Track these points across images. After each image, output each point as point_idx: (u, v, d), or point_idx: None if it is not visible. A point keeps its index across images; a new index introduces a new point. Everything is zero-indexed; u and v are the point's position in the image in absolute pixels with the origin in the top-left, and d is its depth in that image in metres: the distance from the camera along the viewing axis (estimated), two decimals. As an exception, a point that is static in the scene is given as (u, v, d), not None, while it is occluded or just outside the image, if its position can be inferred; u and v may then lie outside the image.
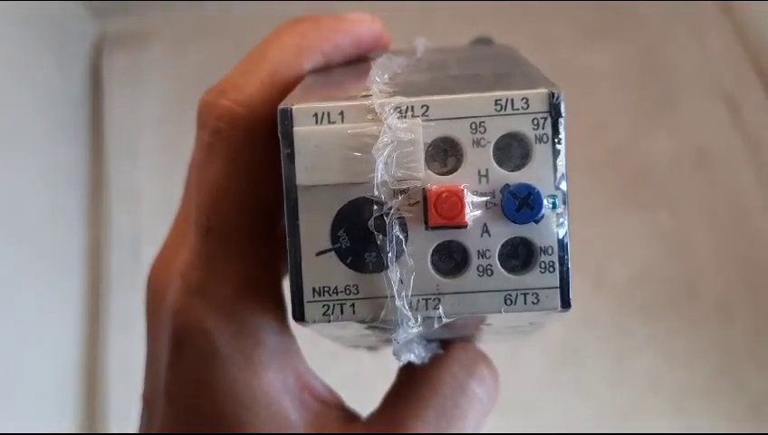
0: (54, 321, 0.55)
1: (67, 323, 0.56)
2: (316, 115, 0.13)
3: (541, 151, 0.13)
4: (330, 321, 0.13)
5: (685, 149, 0.59)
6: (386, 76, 0.15)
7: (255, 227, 0.17)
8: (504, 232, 0.13)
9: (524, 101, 0.13)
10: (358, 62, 0.18)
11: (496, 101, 0.13)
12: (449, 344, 0.18)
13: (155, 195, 0.61)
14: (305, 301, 0.13)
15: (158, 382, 0.17)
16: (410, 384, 0.17)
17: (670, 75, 0.62)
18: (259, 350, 0.16)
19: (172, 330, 0.17)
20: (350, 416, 0.18)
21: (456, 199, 0.13)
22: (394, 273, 0.13)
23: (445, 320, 0.13)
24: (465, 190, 0.13)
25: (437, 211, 0.13)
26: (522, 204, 0.13)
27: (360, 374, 0.39)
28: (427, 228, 0.13)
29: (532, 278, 0.13)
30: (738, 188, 0.58)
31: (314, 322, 0.13)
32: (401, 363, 0.15)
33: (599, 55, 0.63)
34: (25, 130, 0.55)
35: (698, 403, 0.51)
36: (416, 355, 0.15)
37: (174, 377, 0.17)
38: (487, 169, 0.13)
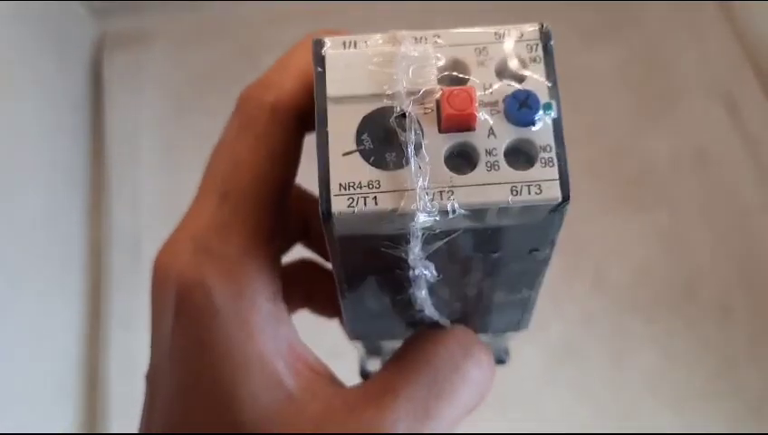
0: (55, 321, 0.55)
1: (68, 323, 0.56)
2: (344, 43, 0.16)
3: (535, 69, 0.15)
4: (354, 211, 0.15)
5: (684, 149, 0.59)
6: None
7: (268, 200, 0.18)
8: (507, 133, 0.15)
9: (519, 32, 0.16)
10: None
11: (495, 32, 0.16)
12: (453, 325, 0.19)
13: (155, 195, 0.61)
14: (332, 195, 0.15)
15: (162, 353, 0.18)
16: (409, 355, 0.18)
17: (670, 75, 0.63)
18: (255, 313, 0.17)
19: (176, 288, 0.17)
20: (341, 384, 0.19)
21: (467, 95, 0.15)
22: (413, 163, 0.15)
23: (458, 211, 0.15)
24: (474, 89, 0.15)
25: (450, 104, 0.14)
26: (522, 105, 0.15)
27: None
28: (440, 131, 0.15)
29: (534, 172, 0.15)
30: (737, 188, 0.58)
31: (340, 213, 0.15)
32: (414, 275, 0.16)
33: (599, 55, 0.63)
34: (25, 130, 0.55)
35: (698, 403, 0.51)
36: (430, 272, 0.16)
37: (177, 338, 0.17)
38: (491, 83, 0.15)
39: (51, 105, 0.60)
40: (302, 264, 0.24)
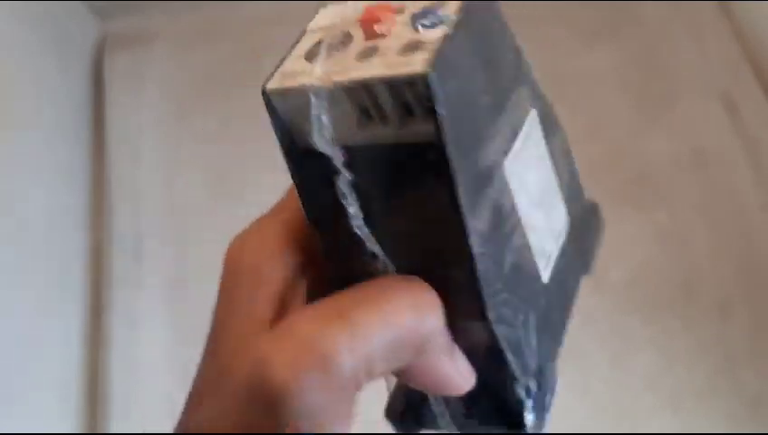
0: (56, 320, 0.55)
1: (68, 322, 0.56)
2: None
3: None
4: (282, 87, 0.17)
5: (683, 149, 0.60)
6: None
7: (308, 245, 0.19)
8: (407, 35, 0.16)
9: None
10: None
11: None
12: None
13: (156, 194, 0.61)
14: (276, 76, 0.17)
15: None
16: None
17: (669, 76, 0.63)
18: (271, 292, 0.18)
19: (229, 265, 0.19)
20: None
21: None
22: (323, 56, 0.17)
23: (338, 84, 0.16)
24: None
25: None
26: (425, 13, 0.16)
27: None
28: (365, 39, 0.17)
29: (416, 56, 0.16)
30: (736, 187, 0.58)
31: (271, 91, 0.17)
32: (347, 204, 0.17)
33: (598, 56, 0.63)
34: (27, 130, 0.55)
35: (696, 402, 0.51)
36: (354, 206, 0.17)
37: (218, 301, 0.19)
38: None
39: (52, 105, 0.60)
40: None
